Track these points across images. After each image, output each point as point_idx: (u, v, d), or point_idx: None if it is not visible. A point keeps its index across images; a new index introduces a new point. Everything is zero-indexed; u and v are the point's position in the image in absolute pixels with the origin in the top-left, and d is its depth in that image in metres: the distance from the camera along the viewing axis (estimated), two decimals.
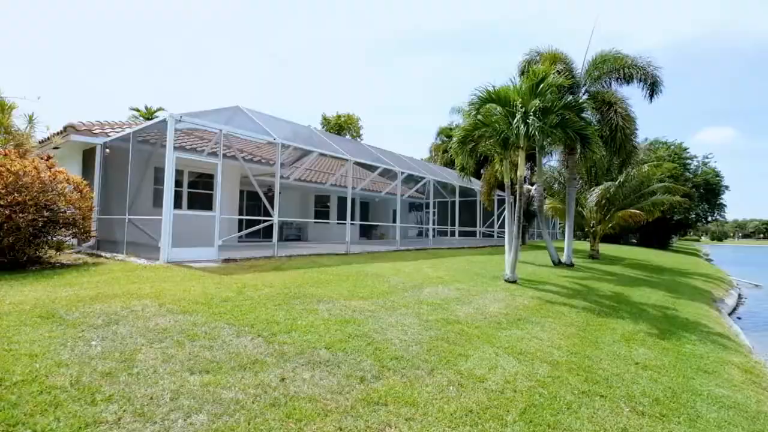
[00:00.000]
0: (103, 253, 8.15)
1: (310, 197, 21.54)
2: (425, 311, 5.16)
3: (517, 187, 7.88)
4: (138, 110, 31.49)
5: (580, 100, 8.69)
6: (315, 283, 6.20)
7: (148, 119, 28.39)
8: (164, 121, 7.30)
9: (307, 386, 2.80)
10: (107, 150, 9.63)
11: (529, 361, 3.78)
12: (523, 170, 7.82)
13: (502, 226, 20.93)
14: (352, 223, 20.82)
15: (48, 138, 9.81)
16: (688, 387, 3.70)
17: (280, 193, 14.09)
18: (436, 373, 3.24)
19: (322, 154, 13.74)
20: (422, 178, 16.80)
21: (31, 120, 8.76)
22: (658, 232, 32.72)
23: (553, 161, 20.19)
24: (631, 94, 12.48)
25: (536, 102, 7.20)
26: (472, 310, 5.54)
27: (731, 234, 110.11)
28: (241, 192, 17.81)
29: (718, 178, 35.33)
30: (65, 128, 9.32)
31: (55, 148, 10.45)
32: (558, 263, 12.62)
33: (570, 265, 12.65)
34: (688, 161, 34.81)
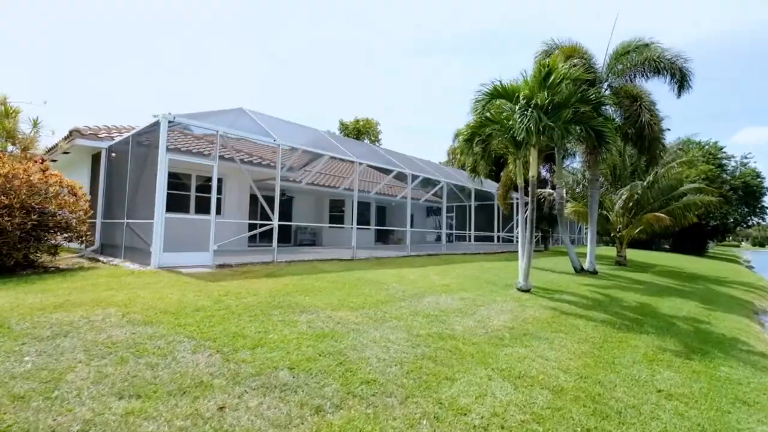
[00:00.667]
0: (102, 258, 8.04)
1: (324, 201, 21.31)
2: (418, 324, 4.66)
3: (530, 188, 7.27)
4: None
5: (599, 93, 7.97)
6: (305, 291, 5.80)
7: None
8: (158, 123, 7.12)
9: (247, 418, 2.36)
10: (113, 154, 9.60)
11: (527, 386, 3.23)
12: (535, 170, 7.21)
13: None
14: (360, 228, 20.49)
15: (57, 144, 9.88)
16: (722, 424, 3.06)
17: (283, 196, 13.72)
18: (409, 402, 2.75)
19: (333, 158, 13.47)
20: (437, 181, 16.24)
21: (35, 124, 8.81)
22: (693, 238, 30.84)
23: (576, 163, 19.29)
24: (656, 91, 11.57)
25: (544, 95, 6.60)
26: (473, 323, 4.99)
27: None
28: (254, 196, 17.76)
29: (759, 179, 32.99)
30: (70, 132, 9.35)
31: (65, 153, 10.54)
32: (580, 270, 11.81)
33: (593, 273, 11.81)
34: (725, 161, 32.69)
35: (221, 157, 11.29)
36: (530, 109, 6.66)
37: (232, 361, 3.13)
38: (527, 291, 7.59)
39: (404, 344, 3.90)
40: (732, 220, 32.74)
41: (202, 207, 12.40)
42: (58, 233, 6.70)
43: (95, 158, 10.59)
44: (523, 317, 5.53)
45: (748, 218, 34.53)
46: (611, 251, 20.60)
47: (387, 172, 18.20)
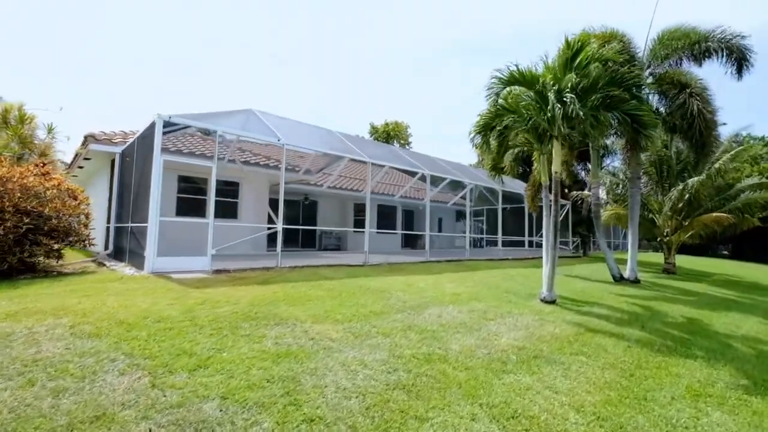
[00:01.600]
0: (108, 262, 7.96)
1: (348, 205, 20.96)
2: (407, 342, 4.00)
3: (552, 186, 6.42)
4: None
5: (634, 74, 6.94)
6: (292, 300, 5.29)
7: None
8: (153, 125, 6.93)
9: None
10: (127, 158, 9.63)
11: (510, 426, 2.50)
12: (558, 165, 6.34)
13: (567, 235, 18.73)
14: (383, 232, 19.87)
15: (77, 153, 10.06)
16: None
17: (306, 200, 13.32)
18: None
19: (353, 160, 13.00)
20: (464, 183, 15.33)
21: (50, 130, 8.98)
22: (756, 242, 27.79)
23: (617, 161, 17.79)
24: (708, 78, 10.12)
25: (572, 77, 5.75)
26: (474, 341, 4.26)
27: None
28: (274, 200, 17.64)
29: None
30: (85, 138, 9.46)
31: (86, 158, 10.75)
32: (619, 279, 10.59)
33: (635, 281, 10.55)
34: None
35: (232, 161, 11.13)
36: (552, 95, 5.84)
37: (159, 386, 2.63)
38: (551, 302, 6.70)
39: (379, 368, 3.26)
40: None
41: (221, 211, 12.30)
42: (58, 237, 6.61)
43: (113, 163, 10.73)
44: (539, 334, 4.72)
45: None
46: (658, 258, 18.75)
47: (412, 174, 17.58)
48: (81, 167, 11.67)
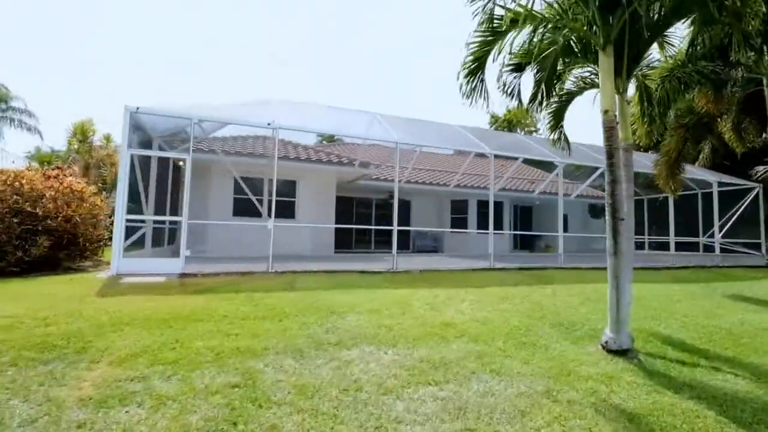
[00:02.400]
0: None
1: (444, 203, 18.68)
2: None
3: (603, 135, 3.43)
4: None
5: None
6: (197, 318, 3.88)
7: None
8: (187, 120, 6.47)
9: None
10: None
11: None
12: (610, 96, 3.31)
13: (747, 233, 12.61)
14: (415, 230, 16.86)
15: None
16: None
17: (391, 198, 11.64)
18: None
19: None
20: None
21: (108, 140, 9.70)
22: None
23: None
24: None
25: None
26: None
27: None
28: (350, 199, 16.61)
29: None
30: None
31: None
32: None
33: None
34: None
35: (263, 155, 10.40)
36: None
37: None
38: (620, 352, 3.62)
39: None
40: None
41: (280, 212, 11.82)
42: (47, 236, 6.59)
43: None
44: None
45: None
46: None
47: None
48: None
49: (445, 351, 3.46)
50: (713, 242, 12.31)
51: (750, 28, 3.77)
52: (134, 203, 7.67)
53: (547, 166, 16.61)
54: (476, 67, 4.07)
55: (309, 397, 2.52)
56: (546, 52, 4.06)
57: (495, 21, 3.82)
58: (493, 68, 4.36)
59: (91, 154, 10.00)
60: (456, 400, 2.58)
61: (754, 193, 12.51)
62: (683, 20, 4.23)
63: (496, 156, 10.00)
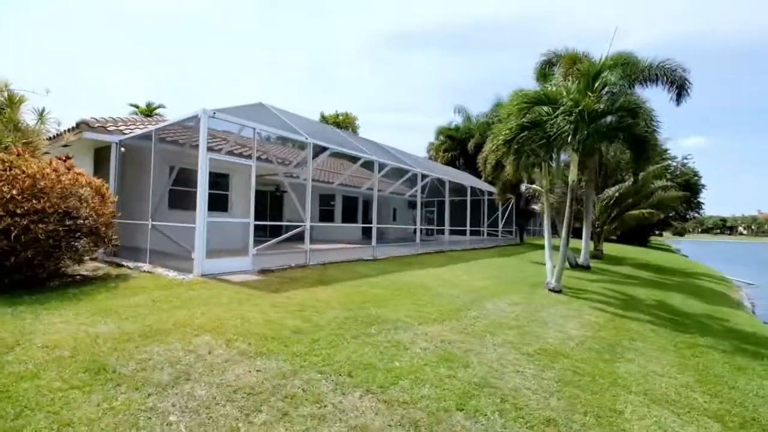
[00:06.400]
0: (125, 262, 7.05)
1: (313, 195, 20.36)
2: (515, 339, 4.36)
3: (569, 192, 7.16)
4: (137, 106, 29.62)
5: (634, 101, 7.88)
6: (376, 302, 5.33)
7: (147, 116, 26.62)
8: (195, 118, 6.28)
9: None
10: (122, 149, 8.47)
11: (683, 412, 3.02)
12: (575, 174, 7.10)
13: (506, 225, 20.27)
14: (368, 226, 19.87)
15: (58, 135, 8.57)
16: None
17: (277, 191, 12.71)
18: None
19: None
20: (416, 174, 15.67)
21: (42, 116, 7.52)
22: (638, 230, 32.84)
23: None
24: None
25: (591, 100, 6.49)
26: (555, 333, 4.76)
27: (690, 230, 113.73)
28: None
29: (696, 178, 35.75)
30: (78, 125, 8.13)
31: (65, 146, 9.17)
32: (575, 266, 12.05)
33: (587, 268, 12.09)
34: (669, 162, 34.96)
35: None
36: (576, 115, 6.52)
37: (390, 402, 2.66)
38: (559, 291, 7.53)
39: (529, 369, 3.57)
40: (672, 214, 35.22)
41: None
42: (85, 239, 5.72)
43: (98, 152, 9.33)
44: (590, 324, 5.39)
45: (687, 213, 37.40)
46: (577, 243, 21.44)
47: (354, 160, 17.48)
48: (47, 153, 9.94)
49: (508, 297, 6.46)
50: (496, 230, 19.53)
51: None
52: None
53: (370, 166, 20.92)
54: (510, 140, 7.17)
55: (510, 324, 5.11)
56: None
57: (523, 121, 7.01)
58: None
59: (26, 134, 7.04)
60: (524, 306, 5.70)
61: (513, 200, 20.41)
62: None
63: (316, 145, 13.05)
